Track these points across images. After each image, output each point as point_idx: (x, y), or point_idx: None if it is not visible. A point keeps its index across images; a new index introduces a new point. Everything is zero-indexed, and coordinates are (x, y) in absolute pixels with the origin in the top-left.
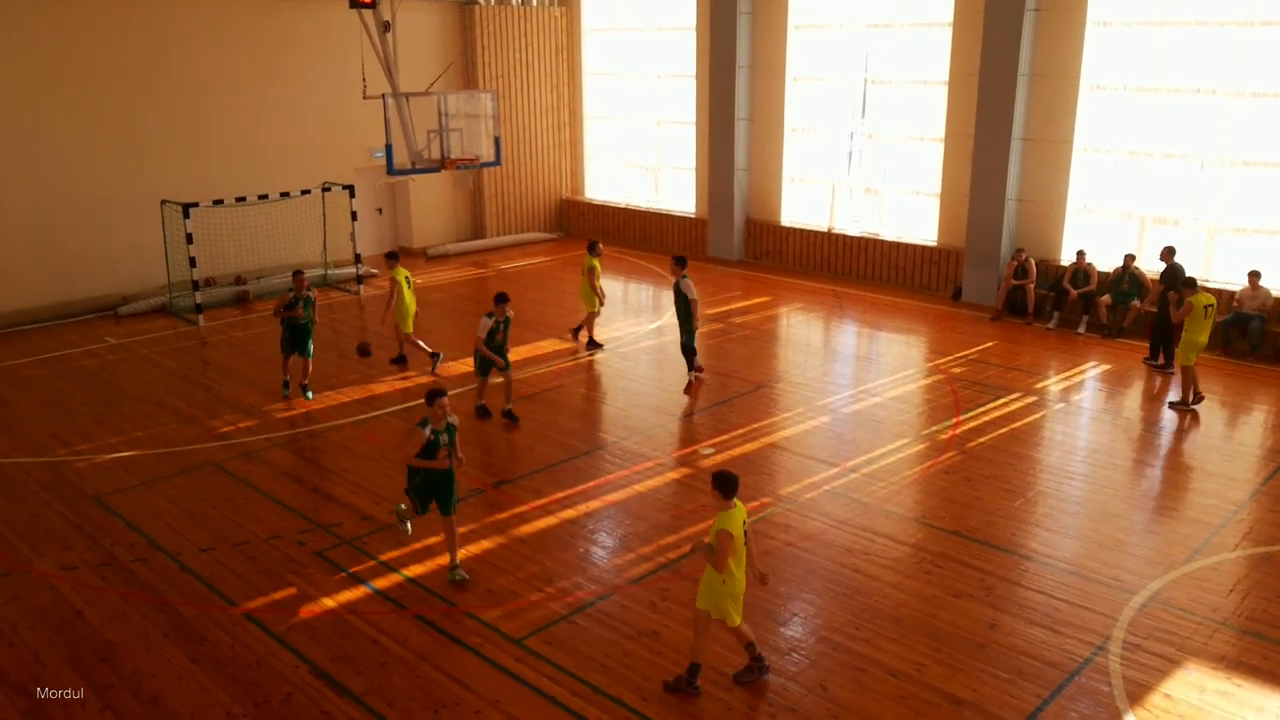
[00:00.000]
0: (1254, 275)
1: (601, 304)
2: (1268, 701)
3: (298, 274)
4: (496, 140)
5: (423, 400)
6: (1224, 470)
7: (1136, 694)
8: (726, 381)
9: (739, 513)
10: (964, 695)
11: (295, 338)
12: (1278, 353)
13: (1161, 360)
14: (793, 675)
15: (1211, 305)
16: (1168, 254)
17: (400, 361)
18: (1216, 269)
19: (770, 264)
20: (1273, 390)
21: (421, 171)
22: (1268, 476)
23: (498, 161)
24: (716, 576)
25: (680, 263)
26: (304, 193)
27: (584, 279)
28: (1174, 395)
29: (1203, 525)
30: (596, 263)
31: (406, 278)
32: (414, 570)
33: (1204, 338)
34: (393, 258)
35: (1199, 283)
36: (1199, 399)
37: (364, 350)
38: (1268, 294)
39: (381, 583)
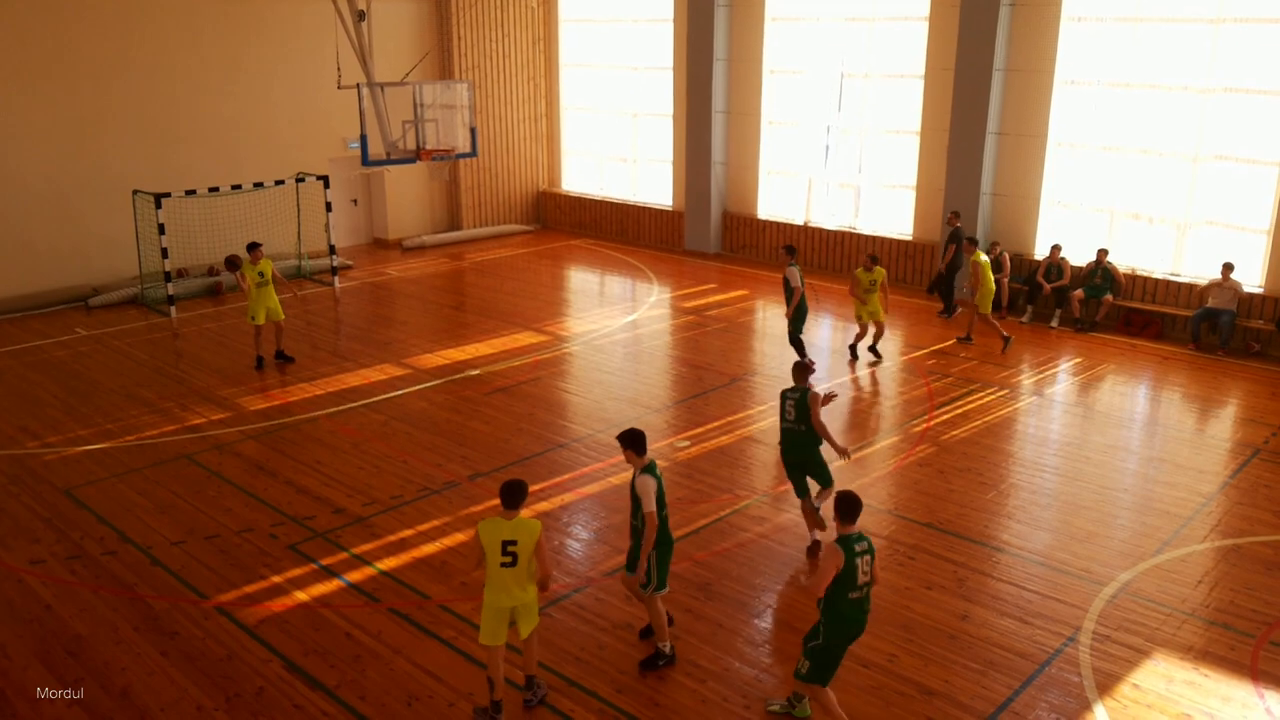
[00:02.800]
0: (1227, 267)
1: (874, 321)
2: (1234, 691)
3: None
4: (473, 131)
5: (387, 394)
6: (1194, 463)
7: (1106, 684)
8: (702, 374)
9: (511, 527)
10: (935, 686)
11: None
12: (1247, 347)
13: (945, 308)
14: (766, 667)
15: (988, 262)
16: (954, 218)
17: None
18: (1188, 263)
19: (747, 256)
20: (1242, 384)
21: (397, 162)
22: (1236, 470)
23: (474, 153)
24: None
25: (789, 251)
26: (278, 183)
27: (876, 293)
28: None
29: (1172, 518)
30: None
31: (259, 273)
32: (388, 563)
33: (993, 287)
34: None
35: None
36: (1007, 341)
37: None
38: (1238, 285)
39: (355, 576)
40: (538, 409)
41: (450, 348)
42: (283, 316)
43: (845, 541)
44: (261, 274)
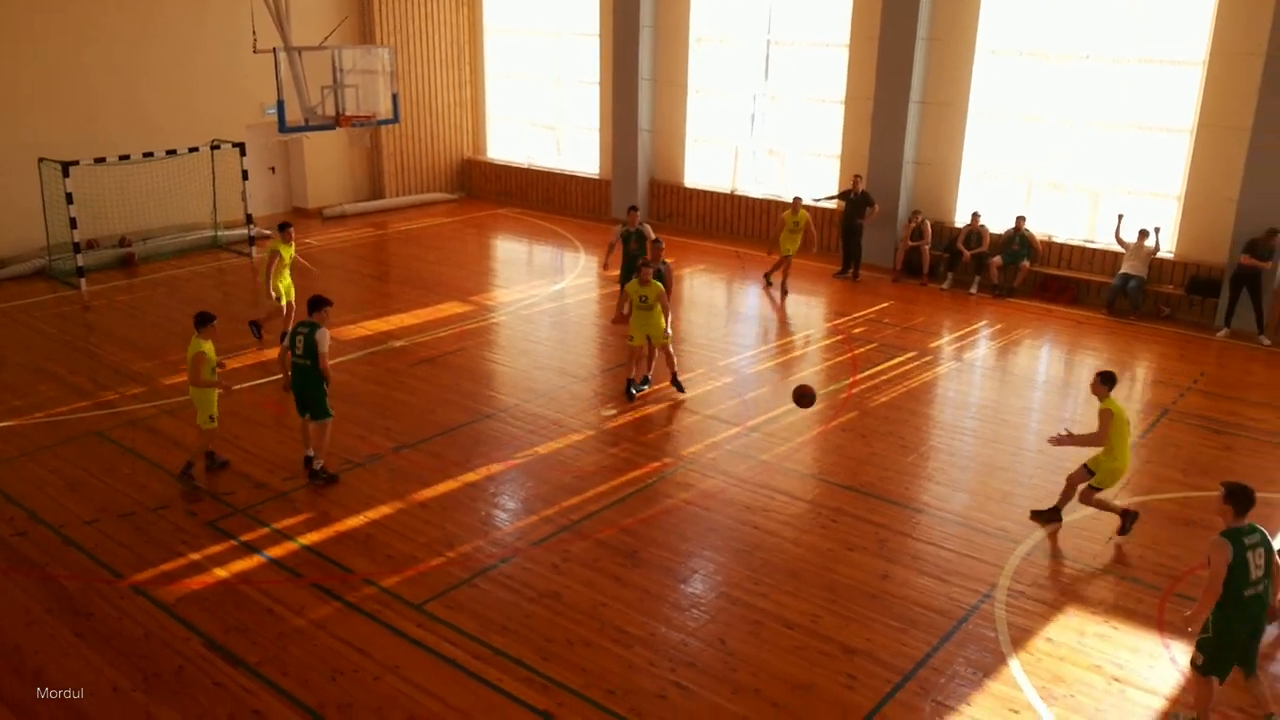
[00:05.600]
0: (1143, 233)
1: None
2: (1142, 642)
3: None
4: (394, 97)
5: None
6: None
7: (1020, 639)
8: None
9: (210, 348)
10: (857, 644)
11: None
12: (1157, 311)
13: (852, 273)
14: (692, 631)
15: None
16: (856, 181)
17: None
18: (1102, 230)
19: (674, 225)
20: (1152, 347)
21: (315, 129)
22: (1146, 429)
23: (396, 119)
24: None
25: (633, 209)
26: (192, 150)
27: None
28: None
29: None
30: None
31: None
32: (310, 538)
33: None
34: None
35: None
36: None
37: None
38: (1151, 252)
39: (277, 551)
40: (463, 379)
41: (373, 319)
42: (293, 296)
43: (1234, 535)
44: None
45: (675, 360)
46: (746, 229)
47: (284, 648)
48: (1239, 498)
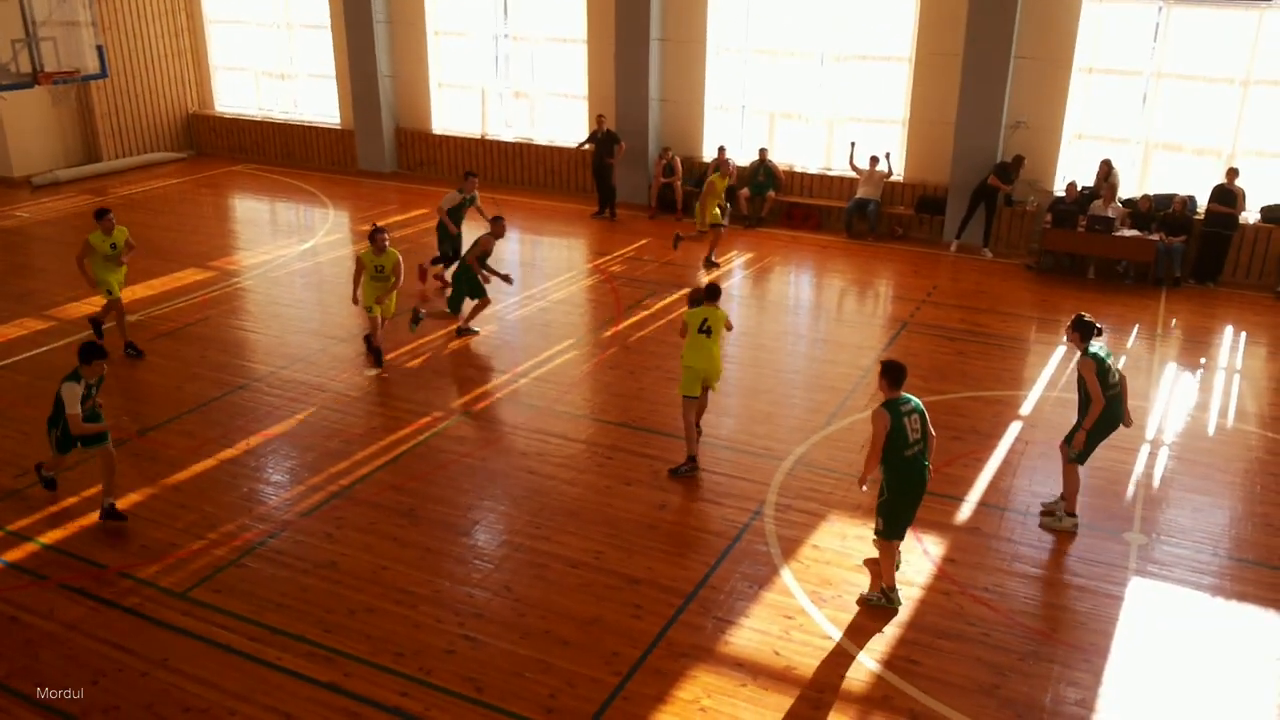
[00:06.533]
0: (874, 159)
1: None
2: None
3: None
4: (100, 49)
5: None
6: (853, 340)
7: (789, 549)
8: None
9: None
10: (639, 574)
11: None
12: (891, 231)
13: (608, 212)
14: (477, 582)
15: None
16: (600, 121)
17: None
18: (838, 158)
19: (425, 174)
20: (890, 265)
21: (10, 88)
22: (888, 342)
23: (104, 74)
24: None
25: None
26: None
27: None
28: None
29: (837, 392)
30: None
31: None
32: (52, 536)
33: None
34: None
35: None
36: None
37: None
38: (882, 176)
39: (14, 555)
40: (210, 350)
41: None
42: (119, 294)
43: (892, 405)
44: (114, 245)
45: (381, 332)
46: (500, 174)
47: (35, 656)
48: (892, 373)
